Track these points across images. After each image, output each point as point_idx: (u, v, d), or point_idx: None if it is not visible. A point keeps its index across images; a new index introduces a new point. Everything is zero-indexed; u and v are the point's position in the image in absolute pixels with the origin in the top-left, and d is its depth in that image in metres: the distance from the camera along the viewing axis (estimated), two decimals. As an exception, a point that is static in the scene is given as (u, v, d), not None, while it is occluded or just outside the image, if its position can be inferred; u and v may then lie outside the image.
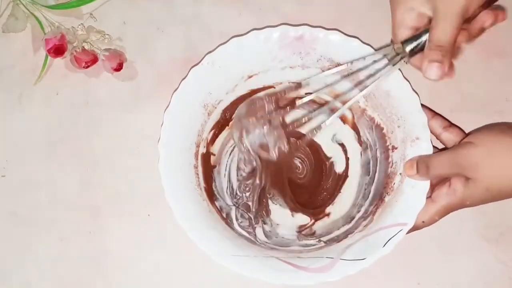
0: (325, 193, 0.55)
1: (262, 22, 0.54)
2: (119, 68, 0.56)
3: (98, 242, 0.52)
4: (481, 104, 0.56)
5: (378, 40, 0.51)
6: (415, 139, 0.48)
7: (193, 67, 0.50)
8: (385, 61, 0.48)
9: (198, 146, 0.51)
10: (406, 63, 0.47)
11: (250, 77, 0.52)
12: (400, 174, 0.49)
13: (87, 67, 0.56)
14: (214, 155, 0.55)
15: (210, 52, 0.50)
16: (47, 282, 0.52)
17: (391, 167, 0.50)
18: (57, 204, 0.54)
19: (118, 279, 0.52)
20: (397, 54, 0.46)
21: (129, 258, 0.52)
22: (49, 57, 0.56)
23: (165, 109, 0.49)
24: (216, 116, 0.53)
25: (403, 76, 0.49)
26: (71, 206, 0.53)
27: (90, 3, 0.59)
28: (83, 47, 0.56)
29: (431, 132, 0.49)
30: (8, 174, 0.55)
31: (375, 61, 0.49)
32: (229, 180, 0.55)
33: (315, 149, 0.56)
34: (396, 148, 0.50)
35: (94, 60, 0.56)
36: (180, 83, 0.49)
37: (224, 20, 0.59)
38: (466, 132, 0.51)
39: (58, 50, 0.55)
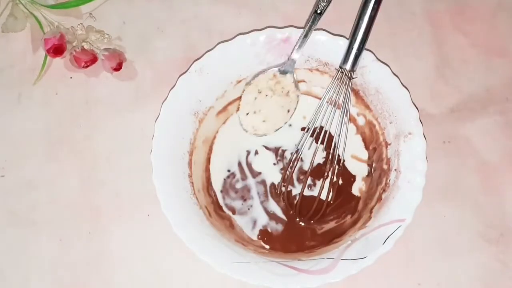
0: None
1: (262, 22, 0.54)
2: (118, 67, 0.56)
3: (98, 242, 0.52)
4: (481, 104, 0.56)
5: (375, 39, 0.51)
6: (408, 134, 0.49)
7: (180, 75, 0.50)
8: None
9: (191, 154, 0.51)
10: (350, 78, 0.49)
11: (239, 81, 0.52)
12: (395, 170, 0.49)
13: (87, 66, 0.56)
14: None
15: (197, 59, 0.50)
16: (47, 282, 0.52)
17: (386, 163, 0.50)
18: (57, 204, 0.53)
19: (117, 279, 0.52)
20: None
21: (128, 258, 0.52)
22: (48, 57, 0.56)
23: (155, 120, 0.49)
24: (207, 123, 0.53)
25: (392, 72, 0.49)
26: (71, 206, 0.53)
27: (89, 2, 0.59)
28: (83, 46, 0.56)
29: None
30: (8, 174, 0.54)
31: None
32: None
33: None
34: (389, 144, 0.50)
35: (94, 59, 0.56)
36: (169, 92, 0.49)
37: (224, 20, 0.58)
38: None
39: (57, 50, 0.55)
